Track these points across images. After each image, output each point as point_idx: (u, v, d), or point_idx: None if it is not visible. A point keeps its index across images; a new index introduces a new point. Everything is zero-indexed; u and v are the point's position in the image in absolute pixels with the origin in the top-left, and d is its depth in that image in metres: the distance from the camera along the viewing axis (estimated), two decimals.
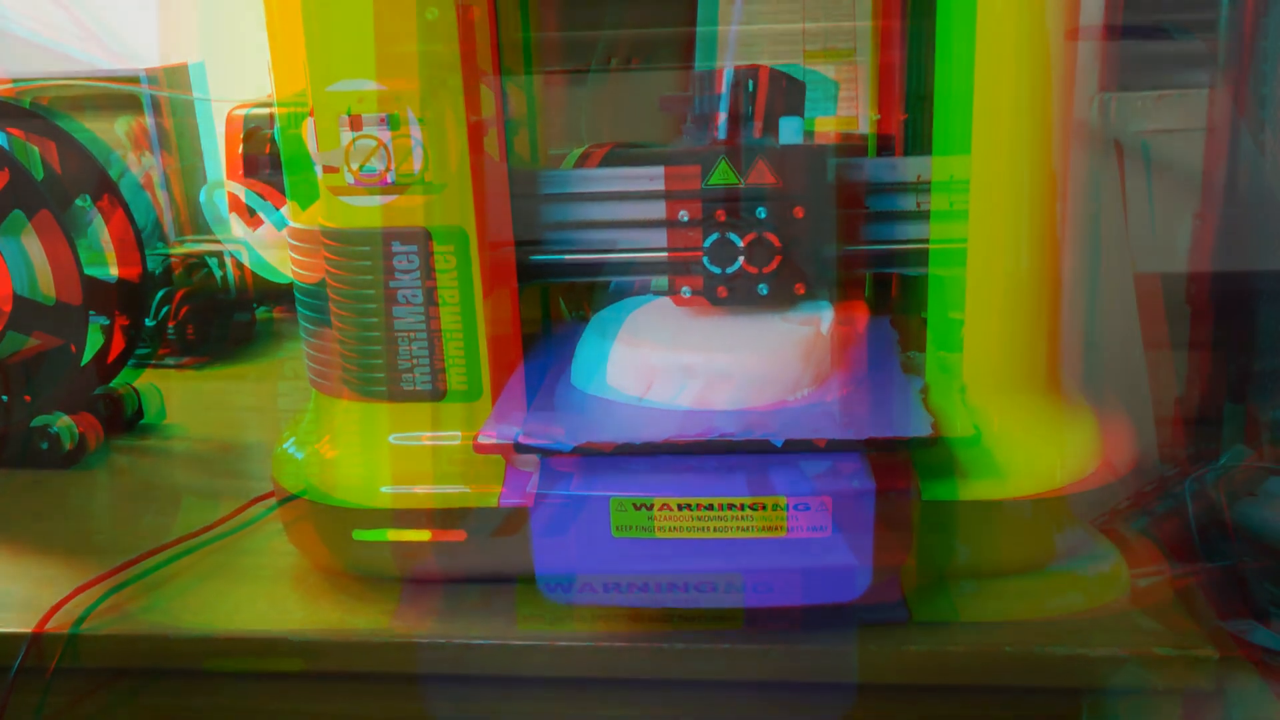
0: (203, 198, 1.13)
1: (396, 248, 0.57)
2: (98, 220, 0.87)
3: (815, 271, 0.61)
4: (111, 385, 0.88)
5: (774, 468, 0.53)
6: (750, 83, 0.62)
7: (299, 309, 0.62)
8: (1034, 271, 0.55)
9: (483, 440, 0.55)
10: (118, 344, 0.88)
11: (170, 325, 1.04)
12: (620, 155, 0.80)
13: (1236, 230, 0.77)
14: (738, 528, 0.52)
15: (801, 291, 0.61)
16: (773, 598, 0.53)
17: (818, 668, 0.55)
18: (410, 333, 0.58)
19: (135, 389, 0.89)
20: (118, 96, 1.20)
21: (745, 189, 0.60)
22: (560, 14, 0.67)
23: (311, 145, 0.57)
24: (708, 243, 0.61)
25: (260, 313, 1.15)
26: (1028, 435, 0.57)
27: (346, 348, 0.59)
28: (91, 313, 0.83)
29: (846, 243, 0.61)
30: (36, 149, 0.86)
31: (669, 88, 0.66)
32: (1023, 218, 0.55)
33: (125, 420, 0.88)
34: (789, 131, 0.60)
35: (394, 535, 0.58)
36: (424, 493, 0.58)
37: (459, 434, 0.59)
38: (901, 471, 0.53)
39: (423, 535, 0.58)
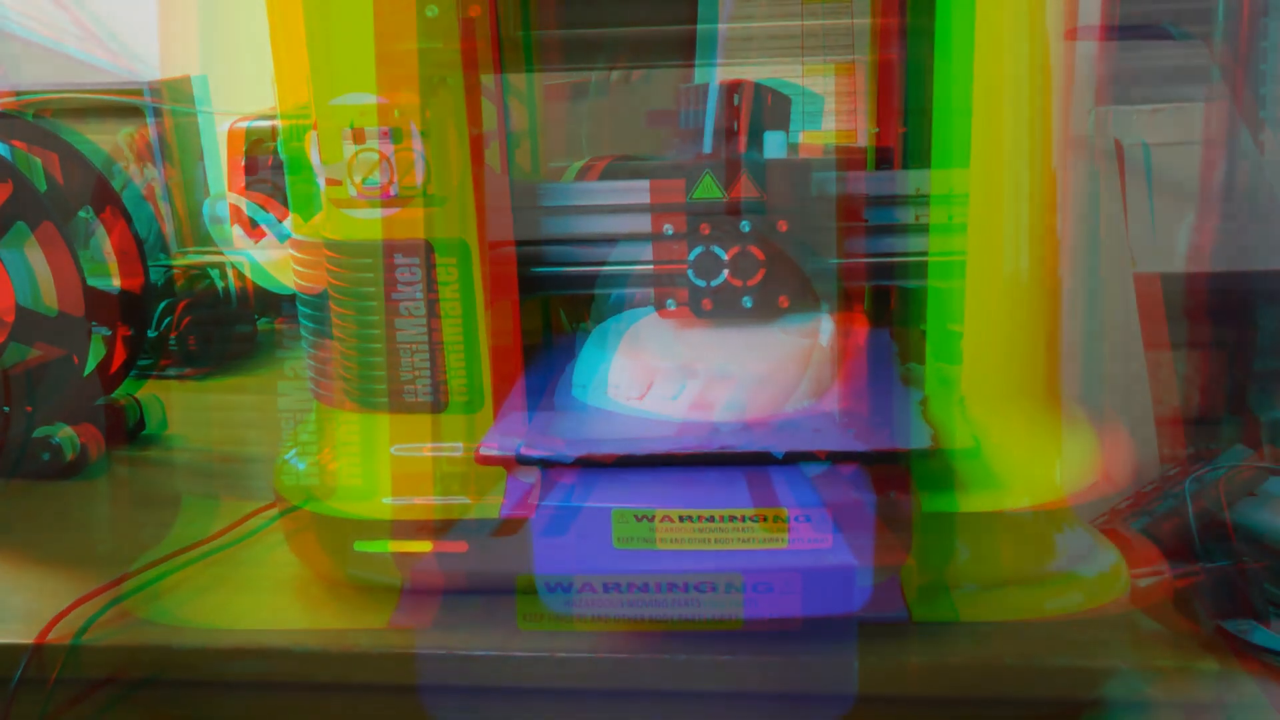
0: (206, 211, 1.14)
1: (398, 260, 0.57)
2: (100, 231, 0.88)
3: (800, 284, 0.61)
4: (113, 396, 0.88)
5: (775, 479, 0.53)
6: (735, 97, 0.63)
7: (301, 319, 0.63)
8: (1033, 284, 0.55)
9: (484, 451, 0.55)
10: (120, 355, 0.88)
11: (172, 336, 1.04)
12: (620, 168, 0.81)
13: (1235, 232, 0.77)
14: (739, 539, 0.52)
15: (786, 305, 0.62)
16: (774, 609, 0.53)
17: (818, 679, 0.55)
18: (412, 344, 0.58)
19: (137, 400, 0.89)
20: (120, 108, 1.21)
21: (729, 202, 0.60)
22: (560, 15, 0.67)
23: (315, 158, 0.57)
24: (692, 256, 0.61)
25: (262, 324, 1.15)
26: (1027, 447, 0.57)
27: (348, 359, 0.59)
28: (94, 324, 0.83)
29: (844, 255, 0.61)
30: (39, 161, 0.86)
31: (669, 100, 0.67)
32: (1022, 231, 0.55)
33: (127, 431, 0.88)
34: (773, 146, 0.61)
35: (395, 546, 0.58)
36: (425, 504, 0.58)
37: (460, 445, 0.59)
38: (901, 483, 0.54)
39: (424, 546, 0.58)
